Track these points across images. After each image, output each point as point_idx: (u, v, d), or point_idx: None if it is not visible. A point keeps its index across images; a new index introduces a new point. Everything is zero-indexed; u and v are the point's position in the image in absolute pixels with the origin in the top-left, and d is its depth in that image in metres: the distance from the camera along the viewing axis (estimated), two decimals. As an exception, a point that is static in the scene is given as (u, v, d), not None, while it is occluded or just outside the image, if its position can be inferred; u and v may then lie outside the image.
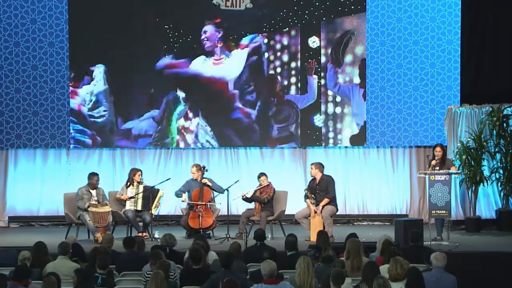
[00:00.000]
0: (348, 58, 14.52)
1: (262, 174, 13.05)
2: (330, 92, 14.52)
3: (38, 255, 8.92)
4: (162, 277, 7.55)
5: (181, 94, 14.45)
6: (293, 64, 14.53)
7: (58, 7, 14.30)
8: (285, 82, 14.53)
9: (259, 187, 12.96)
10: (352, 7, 14.44)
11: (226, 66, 14.43)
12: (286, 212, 13.07)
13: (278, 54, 14.51)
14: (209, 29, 14.40)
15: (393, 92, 14.53)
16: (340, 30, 14.50)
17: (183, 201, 13.07)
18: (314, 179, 12.73)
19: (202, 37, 14.41)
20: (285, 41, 14.50)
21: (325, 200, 12.49)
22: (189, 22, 14.43)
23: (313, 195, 12.57)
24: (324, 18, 14.48)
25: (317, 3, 14.44)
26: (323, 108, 14.52)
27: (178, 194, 13.11)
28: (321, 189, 12.59)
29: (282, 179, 13.97)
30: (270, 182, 13.01)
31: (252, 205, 13.10)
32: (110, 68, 14.40)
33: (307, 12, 14.43)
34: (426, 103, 14.51)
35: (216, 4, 14.39)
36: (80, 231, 12.61)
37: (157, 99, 14.44)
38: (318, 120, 14.55)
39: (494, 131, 13.88)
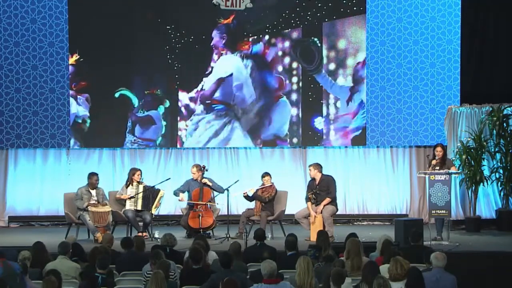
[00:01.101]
0: (350, 61, 14.51)
1: (267, 174, 13.04)
2: (331, 93, 14.53)
3: (37, 255, 8.92)
4: (162, 277, 7.55)
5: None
6: (294, 65, 14.53)
7: (58, 7, 14.30)
8: (287, 83, 14.53)
9: (261, 187, 12.97)
10: (355, 8, 14.44)
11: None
12: (286, 212, 13.07)
13: (280, 54, 14.52)
14: (214, 35, 14.38)
15: (393, 92, 14.54)
16: (342, 32, 14.49)
17: (179, 200, 13.07)
18: (313, 179, 12.73)
19: (211, 43, 14.41)
20: (287, 42, 14.50)
21: (327, 200, 12.50)
22: (191, 23, 14.41)
23: (313, 196, 12.57)
24: (326, 19, 14.48)
25: (319, 4, 14.44)
26: (324, 109, 14.52)
27: (175, 193, 13.10)
28: (322, 189, 12.59)
29: (282, 179, 13.95)
30: (273, 183, 13.01)
31: (252, 205, 13.10)
32: (110, 69, 14.41)
33: (309, 13, 14.43)
34: (426, 102, 14.51)
35: (216, 4, 14.39)
36: (80, 231, 12.61)
37: (162, 99, 14.49)
38: (319, 122, 14.55)
39: (494, 131, 13.88)
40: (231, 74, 14.44)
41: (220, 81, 14.42)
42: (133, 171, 13.07)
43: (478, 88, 14.61)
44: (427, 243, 11.20)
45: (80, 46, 14.31)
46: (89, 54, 14.36)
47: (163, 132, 14.46)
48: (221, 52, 14.39)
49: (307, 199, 12.61)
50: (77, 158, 14.73)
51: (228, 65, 14.44)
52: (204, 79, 14.38)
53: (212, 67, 14.39)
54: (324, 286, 7.62)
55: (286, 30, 14.47)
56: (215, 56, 14.40)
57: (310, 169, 12.78)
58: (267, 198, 12.91)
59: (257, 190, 12.99)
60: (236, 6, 14.41)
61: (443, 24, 14.43)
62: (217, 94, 14.44)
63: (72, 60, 14.30)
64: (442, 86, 14.49)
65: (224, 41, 14.39)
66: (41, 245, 9.20)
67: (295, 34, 14.47)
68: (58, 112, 14.37)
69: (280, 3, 14.46)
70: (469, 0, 14.48)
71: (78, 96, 14.35)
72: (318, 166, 12.74)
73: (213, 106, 14.44)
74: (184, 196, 13.06)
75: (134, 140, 14.42)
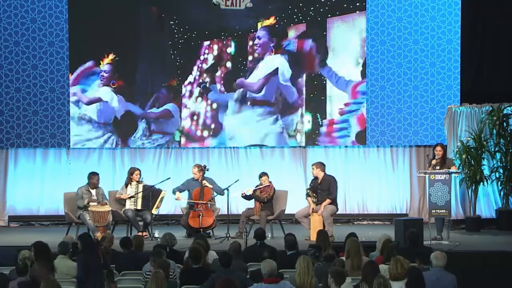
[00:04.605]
0: (353, 56, 14.52)
1: (264, 174, 13.04)
2: (334, 91, 14.53)
3: (40, 254, 8.83)
4: (162, 276, 7.55)
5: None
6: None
7: (58, 6, 14.30)
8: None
9: (259, 187, 12.96)
10: (357, 4, 14.44)
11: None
12: (286, 212, 13.06)
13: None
14: (262, 35, 14.42)
15: (393, 91, 14.54)
16: (345, 27, 14.49)
17: (176, 199, 13.05)
18: (316, 178, 12.72)
19: (255, 41, 14.42)
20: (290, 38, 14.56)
21: (327, 201, 12.50)
22: (194, 19, 14.41)
23: (314, 194, 12.57)
24: (329, 15, 14.48)
25: (322, 0, 14.45)
26: (327, 106, 14.53)
27: (174, 191, 13.07)
28: (323, 189, 12.60)
29: (282, 179, 13.97)
30: (270, 182, 13.01)
31: (252, 205, 13.09)
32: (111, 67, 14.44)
33: (312, 8, 14.44)
34: (426, 102, 14.51)
35: (216, 3, 14.39)
36: (80, 231, 12.57)
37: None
38: (319, 120, 14.56)
39: (494, 131, 13.89)
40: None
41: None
42: (131, 170, 13.07)
43: (478, 87, 14.60)
44: (427, 242, 11.22)
45: (80, 45, 14.30)
46: (89, 53, 14.37)
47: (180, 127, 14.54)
48: (268, 53, 14.40)
49: (307, 194, 12.61)
50: (77, 158, 14.73)
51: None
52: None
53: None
54: (324, 285, 7.62)
55: (290, 26, 14.49)
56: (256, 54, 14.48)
57: (313, 168, 12.78)
58: (265, 198, 12.91)
59: (255, 190, 12.99)
60: (236, 6, 14.42)
61: (443, 23, 14.43)
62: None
63: (107, 59, 14.34)
64: (442, 86, 14.49)
65: (273, 44, 14.39)
66: (44, 245, 9.07)
67: (299, 29, 14.48)
68: (58, 111, 14.37)
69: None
70: (469, 0, 14.48)
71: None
72: (321, 165, 12.74)
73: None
74: (181, 195, 13.04)
75: (149, 133, 14.44)
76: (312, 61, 14.51)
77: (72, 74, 14.30)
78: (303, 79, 14.52)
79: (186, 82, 14.46)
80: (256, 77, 14.49)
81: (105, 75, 14.39)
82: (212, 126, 14.52)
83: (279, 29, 14.45)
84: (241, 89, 14.45)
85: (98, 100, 14.41)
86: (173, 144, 14.60)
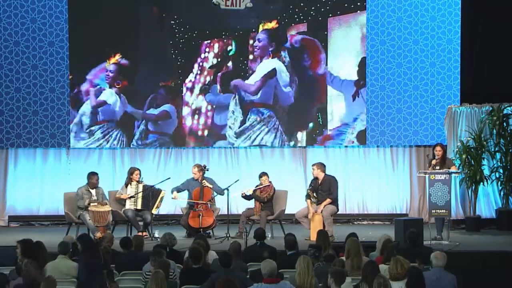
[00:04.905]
0: (352, 56, 14.52)
1: (264, 173, 13.04)
2: (335, 90, 14.53)
3: (28, 253, 8.78)
4: (162, 276, 7.55)
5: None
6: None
7: (58, 6, 14.30)
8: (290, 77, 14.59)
9: (259, 186, 12.96)
10: (358, 3, 14.45)
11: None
12: (286, 212, 13.06)
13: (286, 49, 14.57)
14: (263, 38, 14.42)
15: (393, 91, 14.54)
16: (345, 26, 14.50)
17: (173, 198, 13.04)
18: (316, 179, 12.72)
19: (255, 43, 14.43)
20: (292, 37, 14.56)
21: (328, 201, 12.50)
22: (195, 19, 14.42)
23: (315, 195, 12.57)
24: (330, 15, 14.48)
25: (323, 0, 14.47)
26: (328, 105, 14.53)
27: (172, 191, 13.06)
28: (324, 189, 12.59)
29: (282, 179, 13.97)
30: (270, 182, 13.01)
31: (252, 205, 13.09)
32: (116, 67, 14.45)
33: (313, 8, 14.44)
34: (426, 102, 14.51)
35: (216, 3, 14.40)
36: (80, 231, 12.57)
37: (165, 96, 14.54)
38: (319, 118, 14.56)
39: (494, 131, 13.89)
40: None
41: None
42: (131, 170, 13.08)
43: (478, 87, 14.60)
44: (427, 242, 11.22)
45: (80, 45, 14.31)
46: (89, 53, 14.37)
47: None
48: (266, 56, 14.40)
49: (307, 196, 12.61)
50: (77, 158, 14.73)
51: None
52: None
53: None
54: (324, 285, 7.62)
55: (290, 26, 14.49)
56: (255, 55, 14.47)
57: (313, 168, 12.78)
58: (265, 198, 12.91)
59: (255, 190, 12.99)
60: (236, 6, 14.42)
61: (443, 23, 14.44)
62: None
63: (114, 59, 14.33)
64: (442, 86, 14.49)
65: (272, 48, 14.39)
66: (30, 244, 9.00)
67: (300, 29, 14.48)
68: (58, 111, 14.37)
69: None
70: (469, 0, 14.48)
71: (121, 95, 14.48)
72: (321, 166, 12.74)
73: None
74: (179, 195, 13.04)
75: (145, 133, 14.44)
76: (312, 61, 14.51)
77: (76, 73, 14.34)
78: (303, 79, 14.52)
79: (187, 81, 14.46)
80: (253, 80, 14.49)
81: (111, 75, 14.40)
82: (212, 126, 14.53)
83: (280, 33, 14.43)
84: (239, 91, 14.45)
85: (104, 103, 14.41)
86: (170, 145, 14.61)
